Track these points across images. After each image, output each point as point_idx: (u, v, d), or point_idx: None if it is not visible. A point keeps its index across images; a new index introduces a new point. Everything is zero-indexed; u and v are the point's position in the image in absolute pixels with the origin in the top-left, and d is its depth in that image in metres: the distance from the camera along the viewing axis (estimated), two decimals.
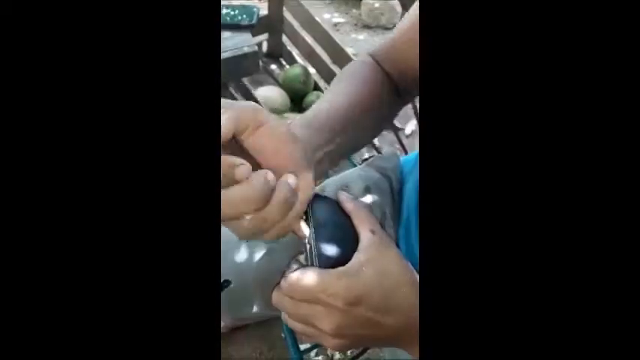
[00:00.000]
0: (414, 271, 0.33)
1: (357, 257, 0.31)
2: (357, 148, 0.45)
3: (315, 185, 0.51)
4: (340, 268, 0.31)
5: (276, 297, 0.33)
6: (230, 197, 0.26)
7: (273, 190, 0.27)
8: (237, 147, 0.28)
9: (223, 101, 0.27)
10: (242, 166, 0.25)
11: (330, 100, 0.40)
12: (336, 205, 0.35)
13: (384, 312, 0.31)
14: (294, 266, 0.32)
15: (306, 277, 0.30)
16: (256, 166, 0.28)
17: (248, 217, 0.27)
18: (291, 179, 0.28)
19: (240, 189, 0.26)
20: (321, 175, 0.35)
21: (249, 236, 0.29)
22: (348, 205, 0.34)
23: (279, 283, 0.33)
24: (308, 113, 0.36)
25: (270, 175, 0.27)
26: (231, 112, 0.26)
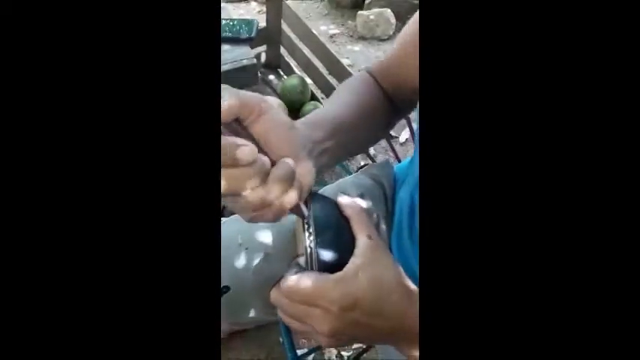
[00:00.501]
0: (405, 275, 0.35)
1: (354, 262, 0.33)
2: (353, 152, 0.47)
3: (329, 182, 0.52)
4: (338, 274, 0.32)
5: (274, 296, 0.34)
6: (229, 174, 0.27)
7: (268, 171, 0.29)
8: (246, 135, 0.30)
9: (232, 89, 0.29)
10: (244, 147, 0.27)
11: (329, 106, 0.42)
12: (335, 206, 0.36)
13: (377, 315, 0.32)
14: (294, 269, 0.34)
15: (305, 282, 0.32)
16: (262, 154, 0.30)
17: (246, 192, 0.28)
18: (289, 160, 0.30)
19: (238, 169, 0.27)
20: (321, 170, 0.36)
21: (251, 213, 0.30)
22: (348, 209, 0.35)
23: (278, 282, 0.34)
24: (308, 115, 0.39)
25: (266, 159, 0.29)
26: (239, 96, 0.28)
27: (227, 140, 0.27)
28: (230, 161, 0.27)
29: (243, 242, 0.49)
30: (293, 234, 0.47)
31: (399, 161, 0.76)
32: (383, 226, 0.50)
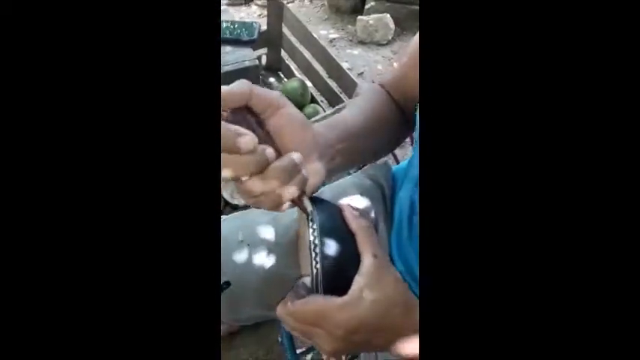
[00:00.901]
0: (408, 289, 0.36)
1: (358, 282, 0.33)
2: (364, 160, 0.47)
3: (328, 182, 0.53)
4: (342, 298, 0.33)
5: (280, 312, 0.35)
6: (228, 160, 0.28)
7: (269, 161, 0.30)
8: (264, 134, 0.31)
9: (248, 82, 0.30)
10: (245, 135, 0.28)
11: (344, 112, 0.43)
12: (340, 216, 0.36)
13: (379, 333, 0.34)
14: (301, 291, 0.35)
15: (311, 306, 0.33)
16: (277, 152, 0.31)
17: (244, 178, 0.29)
18: (295, 155, 0.31)
19: (238, 155, 0.28)
20: (333, 173, 0.37)
21: (250, 199, 0.31)
22: (354, 224, 0.35)
23: (284, 298, 0.35)
24: (325, 120, 0.40)
25: (270, 150, 0.30)
26: (251, 86, 0.29)
27: (229, 129, 0.28)
28: (231, 148, 0.28)
29: (245, 238, 0.50)
30: (296, 233, 0.48)
31: (397, 162, 0.77)
32: (382, 226, 0.51)
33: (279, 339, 0.87)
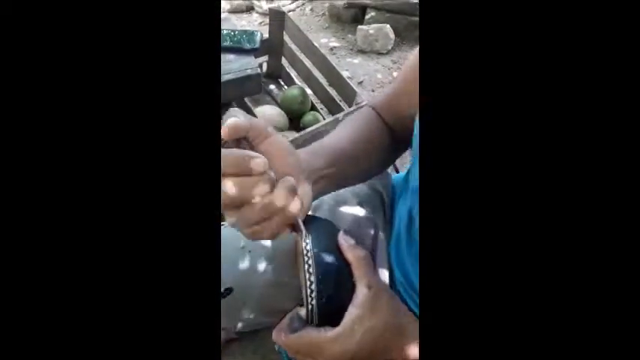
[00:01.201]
0: (400, 311, 0.37)
1: (351, 314, 0.34)
2: (353, 181, 0.48)
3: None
4: (335, 331, 0.33)
5: (276, 337, 0.36)
6: (241, 182, 0.30)
7: (275, 182, 0.32)
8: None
9: (243, 112, 0.32)
10: (257, 158, 0.30)
11: (332, 136, 0.45)
12: (335, 239, 0.36)
13: (371, 359, 0.35)
14: (295, 323, 0.35)
15: (305, 339, 0.34)
16: None
17: (257, 198, 0.31)
18: (290, 177, 0.33)
19: (250, 177, 0.30)
20: (319, 195, 0.39)
21: (253, 226, 0.32)
22: (349, 254, 0.36)
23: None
24: (311, 145, 0.41)
25: (272, 173, 0.32)
26: (249, 118, 0.32)
27: (242, 152, 0.30)
28: (244, 171, 0.30)
29: (246, 245, 0.50)
30: (294, 242, 0.48)
31: (397, 171, 0.78)
32: (382, 235, 0.52)
33: (277, 347, 0.87)
